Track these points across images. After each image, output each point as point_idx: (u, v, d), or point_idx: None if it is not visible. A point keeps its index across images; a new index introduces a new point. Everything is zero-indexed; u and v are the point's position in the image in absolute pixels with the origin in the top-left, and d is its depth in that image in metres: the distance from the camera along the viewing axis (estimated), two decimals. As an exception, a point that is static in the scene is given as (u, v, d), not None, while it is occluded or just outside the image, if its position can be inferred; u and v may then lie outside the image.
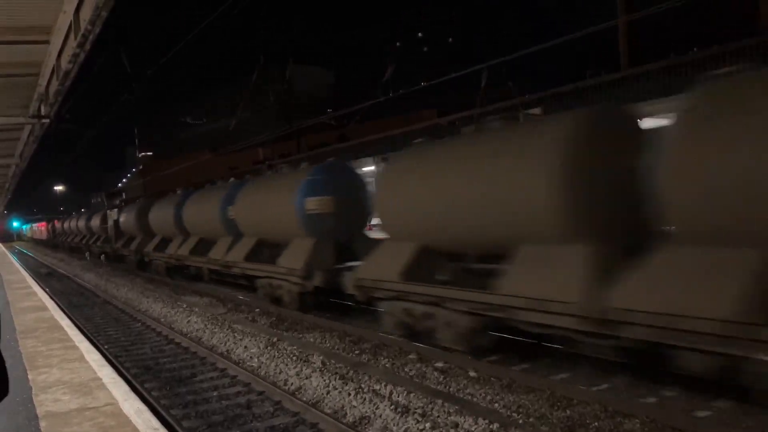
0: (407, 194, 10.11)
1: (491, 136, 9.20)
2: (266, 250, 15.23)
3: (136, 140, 67.17)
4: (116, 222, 30.07)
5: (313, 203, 12.94)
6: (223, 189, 18.23)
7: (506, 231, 8.20)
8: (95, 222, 36.47)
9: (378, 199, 11.46)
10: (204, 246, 18.77)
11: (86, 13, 7.76)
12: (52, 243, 62.72)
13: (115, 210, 31.43)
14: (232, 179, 19.93)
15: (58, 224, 59.25)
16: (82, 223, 42.15)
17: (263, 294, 14.58)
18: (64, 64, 9.65)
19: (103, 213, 34.54)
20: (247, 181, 18.06)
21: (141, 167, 68.21)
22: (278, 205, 13.93)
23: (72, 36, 8.57)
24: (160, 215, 23.25)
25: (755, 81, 6.11)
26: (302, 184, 13.29)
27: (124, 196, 46.46)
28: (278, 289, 13.76)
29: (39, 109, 13.04)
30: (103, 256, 32.71)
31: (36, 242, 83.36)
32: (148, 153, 76.61)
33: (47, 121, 13.56)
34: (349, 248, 12.80)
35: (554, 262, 7.38)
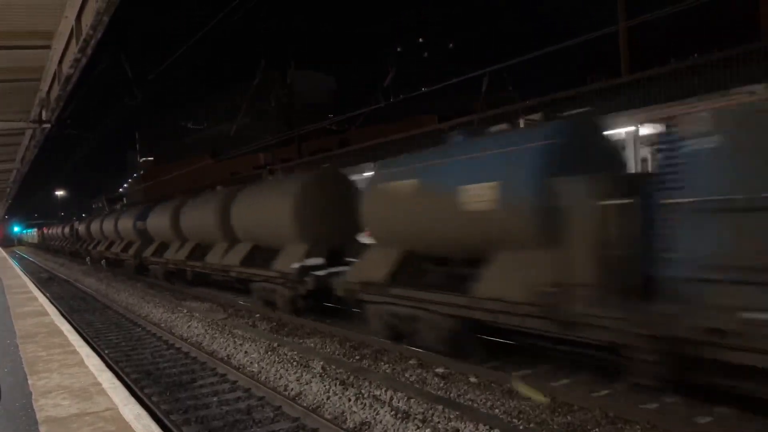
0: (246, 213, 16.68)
1: (272, 184, 16.79)
2: (134, 247, 27.16)
3: (137, 145, 67.29)
4: (77, 230, 46.06)
5: (139, 224, 26.50)
6: (115, 213, 34.80)
7: (277, 238, 14.71)
8: (66, 230, 53.42)
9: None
10: (110, 245, 32.26)
11: (88, 19, 7.78)
12: (43, 246, 76.81)
13: (76, 221, 48.62)
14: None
15: (46, 230, 77.37)
16: (59, 230, 59.50)
17: (130, 267, 27.64)
18: (66, 69, 9.68)
19: (72, 224, 51.06)
20: (124, 210, 34.30)
21: (142, 172, 68.30)
22: (128, 224, 28.19)
23: (73, 41, 8.59)
24: (95, 227, 37.54)
25: None
26: (136, 214, 27.41)
27: (125, 201, 49.44)
28: (127, 264, 27.97)
29: (40, 114, 13.06)
30: (103, 261, 33.43)
31: (34, 246, 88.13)
32: (149, 158, 76.61)
33: (48, 126, 13.59)
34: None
35: (290, 252, 13.76)
